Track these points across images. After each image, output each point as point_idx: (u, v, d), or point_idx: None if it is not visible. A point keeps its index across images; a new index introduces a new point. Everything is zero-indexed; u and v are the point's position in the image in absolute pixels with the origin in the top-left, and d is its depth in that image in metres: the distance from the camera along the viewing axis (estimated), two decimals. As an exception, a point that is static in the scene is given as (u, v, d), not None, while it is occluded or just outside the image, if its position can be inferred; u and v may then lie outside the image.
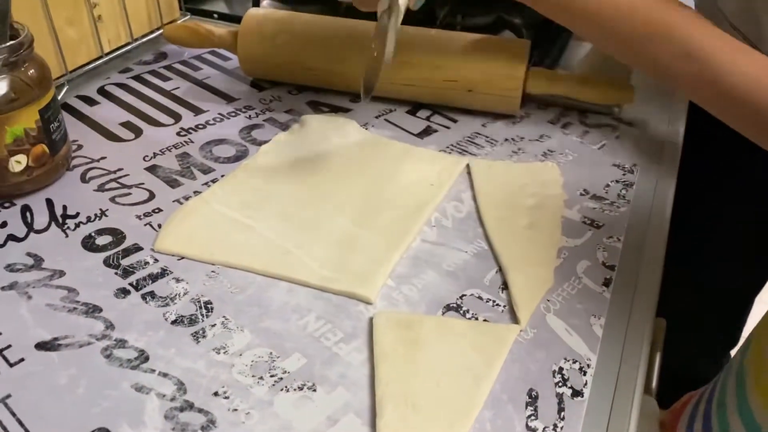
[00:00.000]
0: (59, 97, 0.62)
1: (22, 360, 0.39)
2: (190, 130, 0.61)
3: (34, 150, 0.51)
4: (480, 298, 0.45)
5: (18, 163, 0.50)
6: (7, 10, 0.49)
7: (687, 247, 0.78)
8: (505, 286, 0.46)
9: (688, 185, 0.64)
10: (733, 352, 0.96)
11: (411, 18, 0.56)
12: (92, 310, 0.43)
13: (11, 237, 0.48)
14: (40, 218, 0.50)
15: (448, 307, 0.44)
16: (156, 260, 0.47)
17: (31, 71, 0.50)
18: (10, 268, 0.46)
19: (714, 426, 0.45)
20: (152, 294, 0.44)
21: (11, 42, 0.48)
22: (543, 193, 0.54)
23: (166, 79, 0.70)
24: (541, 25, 0.68)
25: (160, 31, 0.74)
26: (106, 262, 0.46)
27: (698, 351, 0.94)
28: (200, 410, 0.37)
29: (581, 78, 0.64)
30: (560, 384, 0.40)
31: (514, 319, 0.44)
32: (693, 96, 0.50)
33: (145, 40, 0.73)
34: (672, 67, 0.48)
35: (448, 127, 0.64)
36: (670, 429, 0.50)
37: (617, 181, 0.57)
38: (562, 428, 0.37)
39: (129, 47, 0.71)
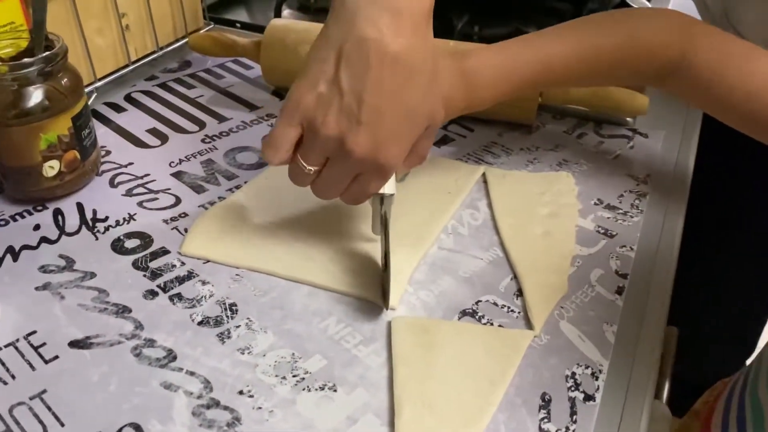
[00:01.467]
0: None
1: (56, 357, 0.41)
2: (214, 137, 0.63)
3: (66, 156, 0.53)
4: (495, 304, 0.47)
5: (51, 168, 0.52)
6: (44, 20, 0.52)
7: (702, 257, 0.79)
8: (519, 292, 0.47)
9: (702, 195, 0.64)
10: (748, 362, 0.96)
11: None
12: (122, 311, 0.45)
13: (44, 239, 0.50)
14: (71, 221, 0.52)
15: (464, 313, 0.46)
16: (183, 263, 0.49)
17: (65, 80, 0.52)
18: (44, 269, 0.48)
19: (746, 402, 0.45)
20: (179, 296, 0.46)
21: (47, 53, 0.50)
22: (557, 202, 0.56)
23: (190, 87, 0.72)
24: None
25: (185, 40, 0.76)
26: (135, 265, 0.48)
27: (714, 360, 0.94)
28: (226, 408, 0.39)
29: (596, 89, 0.65)
30: (573, 388, 0.41)
31: (529, 325, 0.45)
32: (692, 103, 0.52)
33: (170, 48, 0.75)
34: (666, 76, 0.51)
35: (464, 136, 0.65)
36: (704, 419, 0.50)
37: (631, 191, 0.58)
38: (574, 431, 0.38)
39: (155, 56, 0.73)
